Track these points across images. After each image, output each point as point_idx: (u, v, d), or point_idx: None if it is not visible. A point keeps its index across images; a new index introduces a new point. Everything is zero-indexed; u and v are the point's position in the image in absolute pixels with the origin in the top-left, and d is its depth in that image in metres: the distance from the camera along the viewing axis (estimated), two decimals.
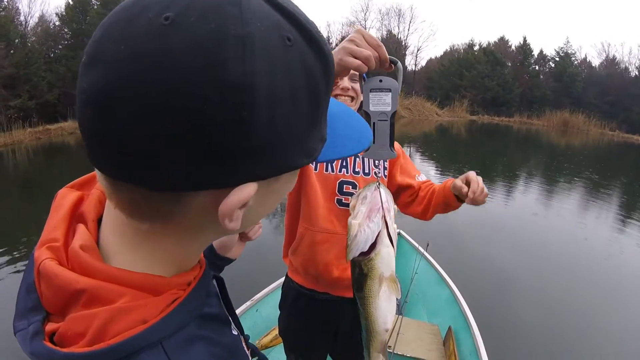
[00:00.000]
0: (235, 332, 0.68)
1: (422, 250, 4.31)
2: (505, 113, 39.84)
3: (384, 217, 0.98)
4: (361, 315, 1.09)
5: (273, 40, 0.41)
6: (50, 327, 0.48)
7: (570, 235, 8.16)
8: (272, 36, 0.41)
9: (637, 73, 41.95)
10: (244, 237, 1.07)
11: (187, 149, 0.39)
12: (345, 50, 1.04)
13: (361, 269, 0.99)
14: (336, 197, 1.83)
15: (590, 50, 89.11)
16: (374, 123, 1.04)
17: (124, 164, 0.41)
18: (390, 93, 1.05)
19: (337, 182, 1.83)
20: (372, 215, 0.97)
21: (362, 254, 0.97)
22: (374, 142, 1.03)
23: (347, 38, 1.06)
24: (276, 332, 3.11)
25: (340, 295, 1.91)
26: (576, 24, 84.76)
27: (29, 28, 27.63)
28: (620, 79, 41.28)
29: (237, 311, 3.20)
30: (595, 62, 46.33)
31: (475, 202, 1.63)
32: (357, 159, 1.87)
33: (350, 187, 1.83)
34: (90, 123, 0.41)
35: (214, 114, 0.38)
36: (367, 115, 1.05)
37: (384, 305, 1.03)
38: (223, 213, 0.45)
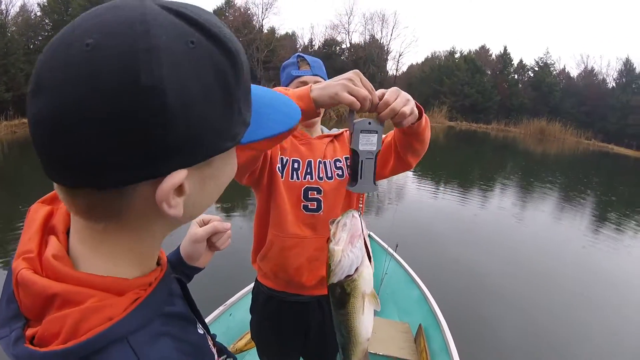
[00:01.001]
0: (201, 331, 0.72)
1: (391, 251, 4.43)
2: (484, 120, 40.55)
3: (365, 242, 1.03)
4: (342, 329, 1.13)
5: (177, 46, 0.47)
6: (30, 332, 0.53)
7: (541, 237, 8.34)
8: (177, 43, 0.47)
9: (614, 85, 42.93)
10: (212, 247, 1.09)
11: (124, 151, 0.46)
12: (343, 87, 1.10)
13: (343, 289, 1.03)
14: (302, 204, 1.86)
15: (569, 61, 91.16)
16: (362, 161, 1.12)
17: (76, 173, 0.48)
18: (377, 134, 1.13)
19: (303, 188, 1.86)
20: (355, 241, 1.02)
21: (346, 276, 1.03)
22: (360, 178, 1.14)
23: (344, 76, 1.14)
24: (250, 335, 3.13)
25: (309, 295, 1.96)
26: (556, 35, 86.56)
27: (9, 17, 27.04)
28: (597, 89, 42.24)
29: (211, 316, 3.21)
30: (574, 72, 47.36)
31: (385, 117, 1.19)
32: (321, 165, 1.90)
33: (315, 192, 1.87)
34: (42, 144, 0.48)
35: (139, 118, 0.45)
36: (355, 154, 1.13)
37: (366, 319, 1.08)
38: (159, 198, 0.51)
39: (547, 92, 41.82)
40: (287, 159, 1.89)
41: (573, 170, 20.23)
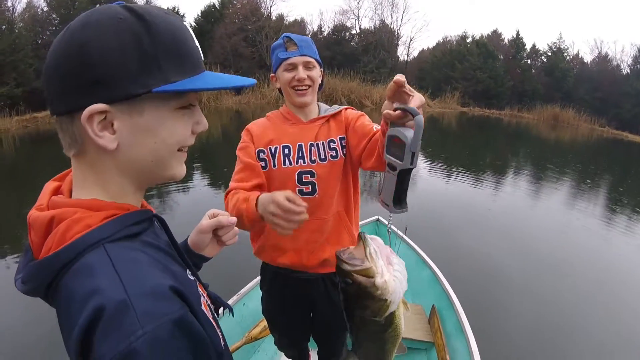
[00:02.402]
0: (191, 277, 0.85)
1: (401, 234, 4.42)
2: (496, 106, 39.89)
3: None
4: (388, 342, 1.10)
5: (107, 20, 0.70)
6: None
7: (554, 223, 8.34)
8: (108, 19, 0.71)
9: (628, 71, 41.96)
10: (219, 241, 1.19)
11: (64, 84, 0.71)
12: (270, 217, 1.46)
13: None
14: (297, 188, 1.91)
15: (582, 46, 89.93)
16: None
17: (51, 104, 0.74)
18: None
19: (296, 173, 1.91)
20: (392, 259, 0.99)
21: None
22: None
23: (270, 208, 1.43)
24: (264, 323, 3.15)
25: (314, 273, 2.04)
26: (570, 20, 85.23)
27: (16, 14, 27.20)
28: (611, 76, 41.25)
29: None
30: (588, 58, 46.11)
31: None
32: (313, 148, 1.92)
33: (309, 176, 1.91)
34: (46, 90, 0.74)
35: (72, 61, 0.69)
36: (408, 173, 1.05)
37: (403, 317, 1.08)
38: (82, 119, 0.70)
39: (560, 78, 40.91)
40: (276, 147, 1.93)
41: (587, 157, 20.03)
